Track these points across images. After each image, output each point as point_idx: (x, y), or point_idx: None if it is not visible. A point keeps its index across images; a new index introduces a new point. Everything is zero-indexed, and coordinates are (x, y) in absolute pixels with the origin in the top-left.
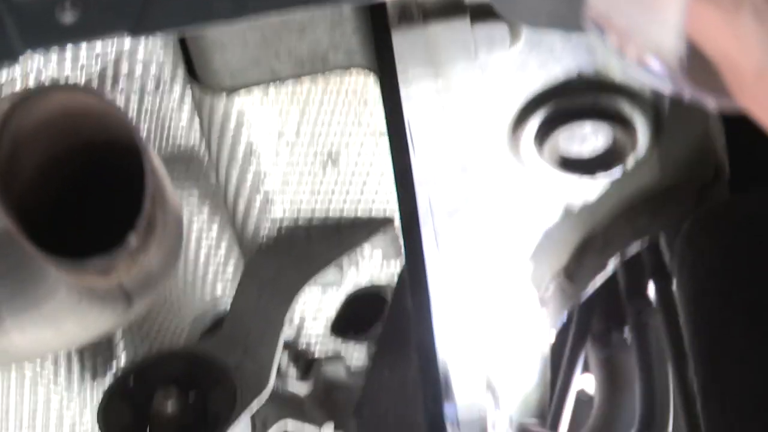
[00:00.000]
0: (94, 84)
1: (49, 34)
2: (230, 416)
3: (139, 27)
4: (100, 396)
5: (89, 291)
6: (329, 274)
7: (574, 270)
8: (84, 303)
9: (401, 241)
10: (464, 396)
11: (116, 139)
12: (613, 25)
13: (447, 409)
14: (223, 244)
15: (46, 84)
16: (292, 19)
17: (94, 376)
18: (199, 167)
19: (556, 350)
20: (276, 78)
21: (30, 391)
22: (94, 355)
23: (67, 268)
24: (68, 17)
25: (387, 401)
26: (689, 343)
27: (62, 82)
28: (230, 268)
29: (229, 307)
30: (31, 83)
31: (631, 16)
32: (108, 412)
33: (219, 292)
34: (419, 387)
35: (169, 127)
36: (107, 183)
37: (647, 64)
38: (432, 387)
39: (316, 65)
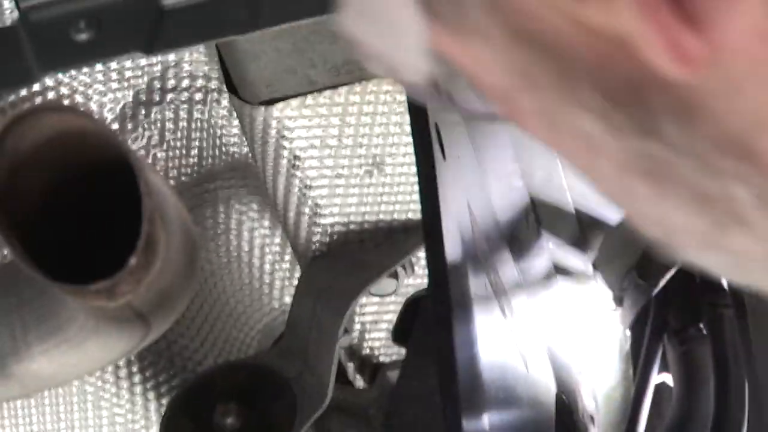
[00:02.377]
0: (143, 98)
1: (65, 55)
2: (291, 429)
3: (152, 45)
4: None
5: (103, 314)
6: (384, 282)
7: (646, 266)
8: (102, 325)
9: None
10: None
11: (114, 160)
12: (369, 49)
13: (475, 422)
14: (288, 253)
15: (36, 105)
16: (321, 26)
17: (157, 393)
18: (255, 178)
19: (634, 348)
20: (313, 87)
21: (93, 408)
22: (156, 370)
23: (72, 293)
24: (83, 36)
25: (415, 411)
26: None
27: (110, 97)
28: (296, 278)
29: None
30: (79, 100)
31: (380, 43)
32: (170, 427)
33: (288, 300)
34: None
35: (221, 138)
36: (110, 205)
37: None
38: (451, 399)
39: (352, 72)
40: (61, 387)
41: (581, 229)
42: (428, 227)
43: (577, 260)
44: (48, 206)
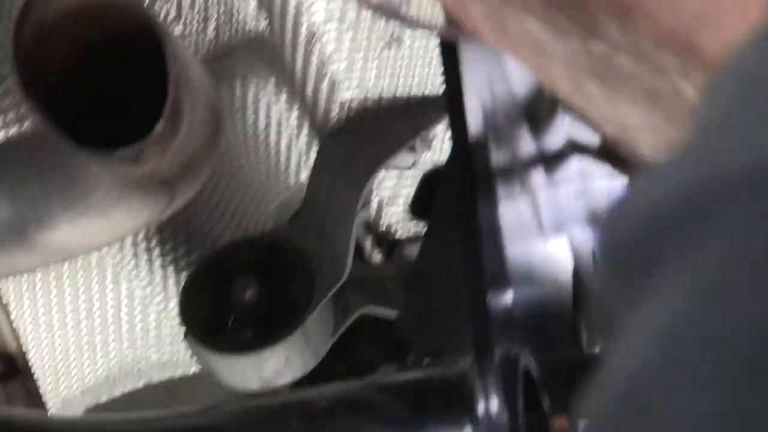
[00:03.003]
0: None
1: None
2: (310, 303)
3: None
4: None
5: (129, 181)
6: (402, 156)
7: None
8: (127, 192)
9: None
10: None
11: (138, 30)
12: None
13: (499, 295)
14: (305, 129)
15: None
16: None
17: (176, 267)
18: (272, 54)
19: None
20: None
21: (112, 283)
22: (174, 244)
23: (99, 160)
24: None
25: (437, 279)
26: None
27: None
28: (313, 153)
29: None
30: None
31: None
32: (189, 302)
33: (304, 177)
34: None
35: (238, 13)
36: (136, 75)
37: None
38: (474, 262)
39: None
40: (82, 258)
41: None
42: (451, 95)
43: (594, 136)
44: (72, 75)
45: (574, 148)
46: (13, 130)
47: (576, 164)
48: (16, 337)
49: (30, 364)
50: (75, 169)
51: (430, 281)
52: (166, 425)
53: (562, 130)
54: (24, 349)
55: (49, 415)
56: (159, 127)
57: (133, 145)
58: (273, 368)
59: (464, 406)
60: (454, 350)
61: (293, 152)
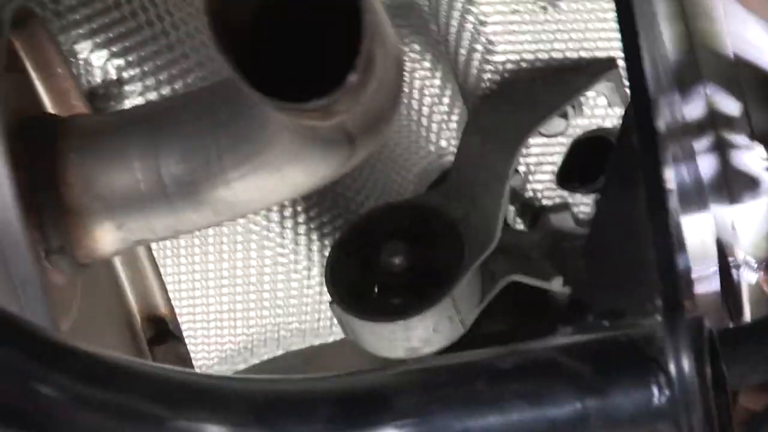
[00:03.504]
0: None
1: None
2: (459, 270)
3: None
4: (327, 254)
5: (312, 135)
6: (553, 121)
7: None
8: (307, 147)
9: (625, 87)
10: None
11: None
12: None
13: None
14: (447, 95)
15: None
16: None
17: (320, 234)
18: (419, 16)
19: None
20: None
21: (257, 248)
22: (320, 210)
23: (289, 111)
24: None
25: (615, 241)
26: None
27: None
28: (454, 119)
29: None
30: None
31: None
32: (335, 268)
33: (444, 143)
34: (646, 224)
35: None
36: (320, 26)
37: None
38: (662, 221)
39: None
40: (229, 223)
41: (738, 76)
42: (629, 52)
43: (732, 105)
44: (259, 26)
45: (713, 117)
46: (168, 89)
47: (713, 135)
48: (168, 301)
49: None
50: (251, 124)
51: (607, 243)
52: (343, 386)
53: (702, 99)
54: (175, 314)
55: None
56: (353, 77)
57: (326, 96)
58: (421, 336)
59: (655, 368)
60: (633, 312)
61: (434, 119)
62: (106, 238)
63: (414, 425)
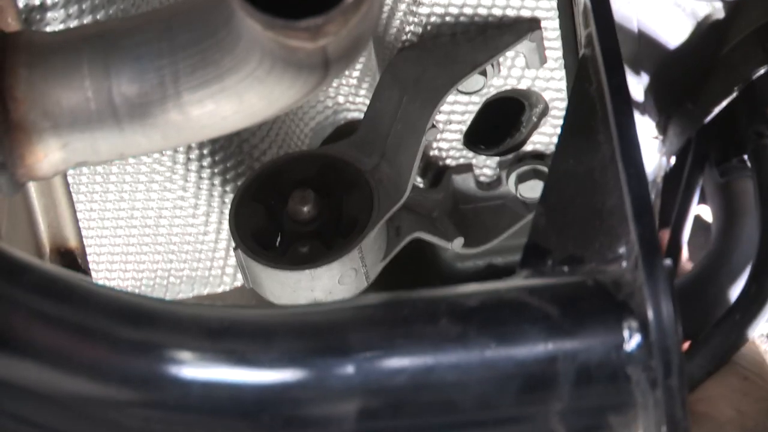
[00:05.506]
0: None
1: None
2: (367, 222)
3: None
4: (229, 200)
5: (286, 58)
6: (472, 79)
7: (700, 93)
8: (276, 73)
9: (545, 49)
10: None
11: None
12: None
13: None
14: None
15: None
16: None
17: (223, 179)
18: None
19: (672, 179)
20: None
21: (159, 192)
22: (225, 155)
23: (279, 29)
24: None
25: (573, 189)
26: None
27: None
28: (355, 74)
29: (350, 115)
30: None
31: None
32: (240, 213)
33: (341, 99)
34: (609, 173)
35: None
36: None
37: None
38: (634, 167)
39: None
40: (134, 161)
41: (639, 51)
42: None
43: (630, 81)
44: None
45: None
46: (90, 18)
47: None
48: (78, 234)
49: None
50: (213, 49)
51: (564, 192)
52: (303, 317)
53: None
54: (84, 248)
55: None
56: None
57: (320, 15)
58: (325, 286)
59: (625, 312)
60: (592, 259)
61: None
62: (49, 157)
63: (373, 360)
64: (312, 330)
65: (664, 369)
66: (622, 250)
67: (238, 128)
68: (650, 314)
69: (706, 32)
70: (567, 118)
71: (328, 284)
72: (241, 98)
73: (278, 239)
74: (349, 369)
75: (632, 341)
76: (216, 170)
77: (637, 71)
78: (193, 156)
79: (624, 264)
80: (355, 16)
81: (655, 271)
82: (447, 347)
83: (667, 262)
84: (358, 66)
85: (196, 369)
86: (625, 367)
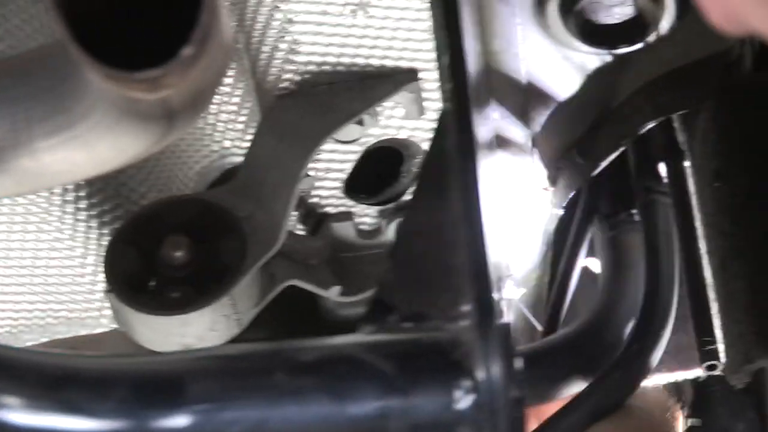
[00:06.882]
0: None
1: None
2: (240, 268)
3: None
4: (104, 243)
5: (130, 108)
6: (349, 128)
7: (588, 145)
8: (123, 123)
9: (424, 100)
10: None
11: None
12: None
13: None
14: (237, 95)
15: None
16: None
17: (100, 222)
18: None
19: (562, 230)
20: None
21: (35, 233)
22: (103, 198)
23: (117, 80)
24: None
25: (423, 244)
26: (707, 218)
27: None
28: (242, 119)
29: (237, 160)
30: None
31: None
32: (114, 256)
33: (228, 144)
34: (458, 231)
35: None
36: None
37: None
38: (475, 229)
39: None
40: (9, 201)
41: (527, 102)
42: (453, 56)
43: (519, 133)
44: None
45: (498, 142)
46: None
47: (497, 159)
48: None
49: None
50: (65, 95)
51: (414, 247)
52: (140, 367)
53: (490, 123)
54: None
55: None
56: (188, 50)
57: (159, 67)
58: (196, 332)
59: (459, 371)
60: (437, 316)
61: (222, 116)
62: None
63: (208, 412)
64: (150, 380)
65: (491, 430)
66: (466, 308)
67: (91, 175)
68: (480, 375)
69: (595, 85)
70: (422, 172)
71: (199, 330)
72: (91, 146)
73: (153, 283)
74: (183, 420)
75: (464, 401)
76: (93, 212)
77: (525, 122)
78: (69, 198)
79: (467, 322)
80: (194, 68)
81: (488, 331)
82: (281, 401)
83: (504, 322)
84: (245, 111)
85: (29, 416)
86: (456, 426)
